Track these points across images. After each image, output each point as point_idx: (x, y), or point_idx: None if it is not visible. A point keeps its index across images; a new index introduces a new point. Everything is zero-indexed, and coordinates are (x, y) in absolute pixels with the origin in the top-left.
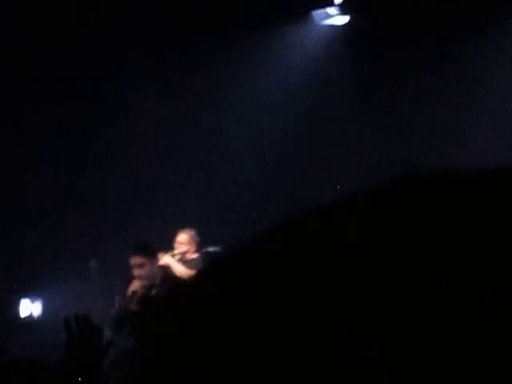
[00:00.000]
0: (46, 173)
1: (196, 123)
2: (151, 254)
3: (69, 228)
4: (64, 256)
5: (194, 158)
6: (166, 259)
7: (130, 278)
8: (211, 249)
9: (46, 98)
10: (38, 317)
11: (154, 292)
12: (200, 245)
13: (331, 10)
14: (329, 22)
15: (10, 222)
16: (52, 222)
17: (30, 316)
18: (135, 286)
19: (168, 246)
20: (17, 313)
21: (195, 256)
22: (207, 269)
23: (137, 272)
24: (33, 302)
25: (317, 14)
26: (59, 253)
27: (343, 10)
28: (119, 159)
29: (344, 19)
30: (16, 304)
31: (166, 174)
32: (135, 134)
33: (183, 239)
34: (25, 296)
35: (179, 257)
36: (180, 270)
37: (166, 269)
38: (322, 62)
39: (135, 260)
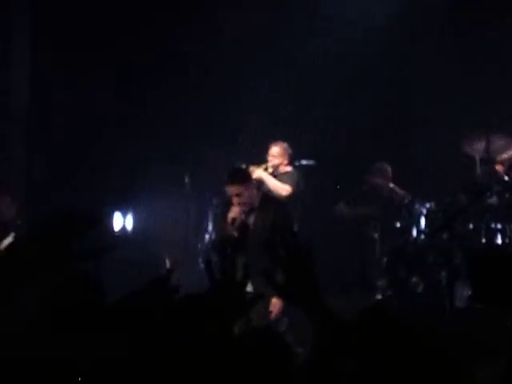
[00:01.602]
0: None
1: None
2: (247, 180)
3: (163, 147)
4: (157, 173)
5: (286, 72)
6: (258, 172)
7: (227, 203)
8: (304, 162)
9: None
10: (131, 232)
11: (253, 215)
12: (293, 157)
13: None
14: None
15: (109, 137)
16: (145, 140)
17: (124, 230)
18: (234, 212)
19: (261, 159)
20: (110, 226)
21: (288, 169)
22: None
23: (235, 200)
24: (125, 215)
25: None
26: (151, 171)
27: None
28: (209, 80)
29: None
30: (110, 217)
31: (254, 88)
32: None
33: (275, 152)
34: (118, 210)
35: (272, 170)
36: (273, 184)
37: (260, 183)
38: None
39: (232, 189)
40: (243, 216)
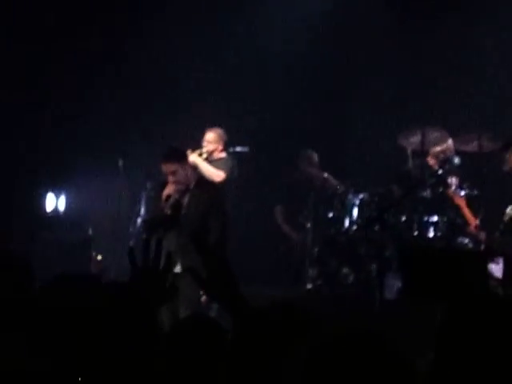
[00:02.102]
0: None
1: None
2: (183, 159)
3: (97, 127)
4: (91, 155)
5: (222, 59)
6: (193, 157)
7: (162, 183)
8: (239, 149)
9: None
10: (63, 213)
11: (188, 196)
12: (228, 144)
13: None
14: None
15: (39, 119)
16: (79, 121)
17: (56, 211)
18: (170, 189)
19: (196, 145)
20: (43, 208)
21: (223, 155)
22: None
23: (170, 178)
24: (58, 197)
25: None
26: (86, 151)
27: None
28: (147, 58)
29: None
30: (42, 198)
31: (193, 73)
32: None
33: (211, 137)
34: (51, 191)
35: (206, 155)
36: (207, 169)
37: (194, 168)
38: None
39: (168, 167)
40: (177, 195)
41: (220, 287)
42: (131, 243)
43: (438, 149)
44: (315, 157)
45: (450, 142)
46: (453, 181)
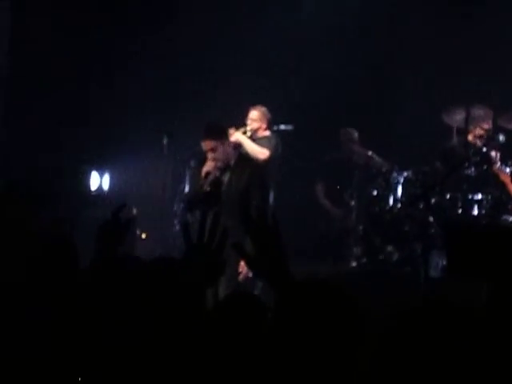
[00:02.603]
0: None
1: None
2: (223, 136)
3: (142, 107)
4: (135, 133)
5: (262, 35)
6: (237, 135)
7: (202, 159)
8: (283, 127)
9: None
10: (108, 190)
11: (228, 173)
12: (272, 122)
13: None
14: None
15: (83, 96)
16: (123, 99)
17: (100, 190)
18: (209, 166)
19: (240, 123)
20: (87, 185)
21: (267, 133)
22: None
23: (210, 155)
24: (102, 175)
25: None
26: (130, 130)
27: None
28: (190, 40)
29: None
30: (86, 176)
31: (234, 52)
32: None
33: (254, 116)
34: (95, 168)
35: (250, 133)
36: (251, 147)
37: (238, 146)
38: None
39: (207, 144)
40: (217, 172)
41: (267, 263)
42: (176, 222)
43: (485, 127)
44: (355, 134)
45: (491, 120)
46: (497, 157)
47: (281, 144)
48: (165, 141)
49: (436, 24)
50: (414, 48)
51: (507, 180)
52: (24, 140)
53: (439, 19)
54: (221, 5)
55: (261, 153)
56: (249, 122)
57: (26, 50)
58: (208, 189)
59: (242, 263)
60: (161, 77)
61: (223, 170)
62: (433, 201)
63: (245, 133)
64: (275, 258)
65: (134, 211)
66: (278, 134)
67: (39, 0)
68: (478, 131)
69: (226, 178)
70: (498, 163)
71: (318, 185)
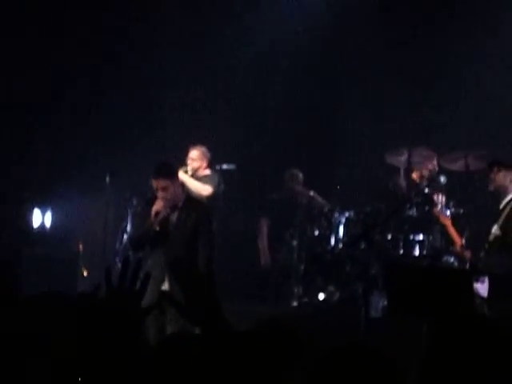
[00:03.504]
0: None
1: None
2: (174, 175)
3: (84, 145)
4: (78, 171)
5: (205, 79)
6: (179, 174)
7: (150, 199)
8: (225, 166)
9: None
10: (50, 228)
11: (176, 213)
12: (212, 162)
13: None
14: None
15: (26, 133)
16: (67, 137)
17: (42, 227)
18: (159, 205)
19: (180, 163)
20: (29, 223)
21: (208, 172)
22: None
23: (160, 194)
24: (44, 212)
25: None
26: (73, 168)
27: None
28: (130, 77)
29: None
30: (28, 214)
31: (177, 93)
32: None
33: (195, 155)
34: (37, 206)
35: (191, 172)
36: (194, 185)
37: (183, 185)
38: None
39: (159, 183)
40: (166, 212)
41: (200, 312)
42: (117, 260)
43: (427, 167)
44: (300, 175)
45: (435, 161)
46: (439, 199)
47: (222, 182)
48: (107, 179)
49: (377, 58)
50: (355, 85)
51: (447, 223)
52: None
53: (385, 53)
54: (158, 39)
55: (204, 190)
56: (189, 161)
57: None
58: (157, 228)
59: None
60: (104, 116)
61: (172, 209)
62: (374, 241)
63: (186, 172)
64: (209, 308)
65: (80, 247)
66: (219, 172)
67: None
68: (422, 172)
69: (174, 217)
70: (439, 206)
71: (261, 220)
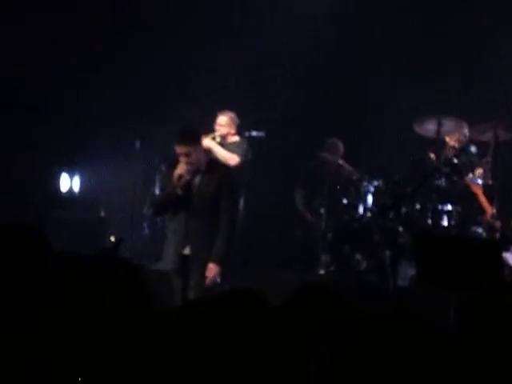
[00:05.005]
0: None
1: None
2: (197, 141)
3: (114, 107)
4: (108, 135)
5: (236, 41)
6: (206, 141)
7: (174, 162)
8: (254, 133)
9: None
10: (78, 193)
11: (199, 177)
12: (242, 128)
13: None
14: None
15: (56, 98)
16: (96, 101)
17: (70, 191)
18: (181, 169)
19: (209, 128)
20: (57, 187)
21: (236, 138)
22: None
23: (183, 159)
24: (72, 177)
25: None
26: (103, 132)
27: None
28: (160, 40)
29: None
30: (56, 178)
31: (208, 57)
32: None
33: (223, 121)
34: (65, 170)
35: (219, 139)
36: (221, 153)
37: (208, 151)
38: None
39: (182, 149)
40: (189, 176)
41: None
42: (145, 225)
43: (454, 137)
44: (340, 145)
45: (465, 130)
46: (470, 169)
47: (251, 149)
48: (137, 144)
49: (411, 32)
50: (387, 57)
51: (478, 192)
52: None
53: (413, 27)
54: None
55: (230, 158)
56: (217, 127)
57: None
58: (180, 192)
59: (210, 267)
60: (135, 80)
61: (194, 173)
62: (403, 211)
63: (214, 138)
64: None
65: (102, 213)
66: (248, 139)
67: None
68: (450, 142)
69: (196, 181)
70: (470, 174)
71: (297, 189)
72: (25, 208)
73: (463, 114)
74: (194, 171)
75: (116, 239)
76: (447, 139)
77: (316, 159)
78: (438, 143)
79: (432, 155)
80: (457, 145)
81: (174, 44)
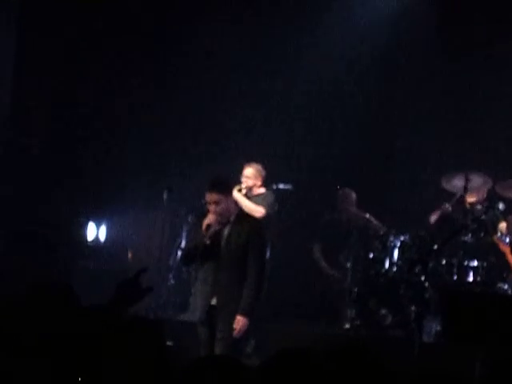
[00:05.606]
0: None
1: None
2: (227, 191)
3: (143, 160)
4: (136, 186)
5: (265, 95)
6: (233, 193)
7: (203, 213)
8: (282, 186)
9: None
10: (104, 241)
11: (228, 228)
12: (268, 181)
13: None
14: None
15: (85, 148)
16: (124, 152)
17: (96, 240)
18: (210, 219)
19: (235, 181)
20: (83, 236)
21: (262, 190)
22: None
23: (212, 208)
24: (99, 226)
25: None
26: (131, 182)
27: None
28: (190, 93)
29: None
30: (83, 227)
31: (236, 109)
32: (204, 68)
33: (249, 173)
34: (92, 219)
35: (245, 191)
36: (246, 205)
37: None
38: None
39: (211, 197)
40: (218, 226)
41: None
42: (171, 276)
43: (480, 194)
44: (353, 195)
45: (490, 187)
46: (499, 227)
47: (276, 202)
48: (165, 195)
49: (437, 85)
50: (414, 109)
51: (507, 250)
52: (24, 191)
53: (442, 78)
54: (221, 62)
55: (256, 211)
56: (244, 179)
57: (26, 91)
58: (208, 242)
59: (237, 319)
60: (162, 132)
61: (223, 224)
62: (429, 265)
63: (240, 190)
64: None
65: (130, 256)
66: (274, 191)
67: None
68: (476, 198)
69: (225, 232)
70: (499, 233)
71: (315, 246)
72: (52, 257)
73: (489, 170)
74: (223, 222)
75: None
76: (474, 195)
77: (342, 212)
78: (463, 199)
79: (458, 211)
80: (483, 201)
81: (200, 98)
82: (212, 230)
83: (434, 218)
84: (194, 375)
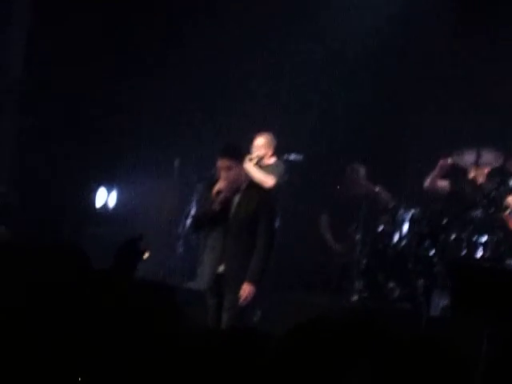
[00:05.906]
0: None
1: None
2: (239, 157)
3: (155, 125)
4: (147, 152)
5: (279, 67)
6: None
7: (213, 181)
8: (293, 156)
9: None
10: (113, 208)
11: (238, 196)
12: (279, 151)
13: None
14: None
15: (97, 114)
16: (140, 121)
17: (105, 206)
18: (221, 185)
19: (247, 151)
20: (93, 202)
21: (273, 160)
22: None
23: (223, 174)
24: (109, 192)
25: None
26: (143, 149)
27: None
28: (203, 63)
29: None
30: (93, 193)
31: (250, 80)
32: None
33: (261, 143)
34: (102, 185)
35: (256, 161)
36: (257, 174)
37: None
38: None
39: (223, 163)
40: (228, 193)
41: None
42: (179, 244)
43: (491, 169)
44: (362, 170)
45: (500, 163)
46: (509, 203)
47: (287, 172)
48: (176, 163)
49: (451, 60)
50: (427, 85)
51: None
52: (36, 152)
53: (454, 56)
54: (234, 30)
55: (266, 181)
56: (255, 149)
57: (39, 61)
58: (217, 208)
59: (244, 287)
60: (175, 99)
61: (234, 191)
62: (438, 240)
63: (251, 160)
64: None
65: (138, 229)
66: (285, 162)
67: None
68: (487, 174)
69: (235, 200)
70: (508, 210)
71: (322, 217)
72: (61, 222)
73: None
74: (233, 189)
75: (149, 256)
76: (485, 171)
77: (351, 185)
78: (476, 175)
79: (470, 186)
80: (481, 178)
81: (213, 65)
82: (222, 196)
83: (441, 183)
84: None
